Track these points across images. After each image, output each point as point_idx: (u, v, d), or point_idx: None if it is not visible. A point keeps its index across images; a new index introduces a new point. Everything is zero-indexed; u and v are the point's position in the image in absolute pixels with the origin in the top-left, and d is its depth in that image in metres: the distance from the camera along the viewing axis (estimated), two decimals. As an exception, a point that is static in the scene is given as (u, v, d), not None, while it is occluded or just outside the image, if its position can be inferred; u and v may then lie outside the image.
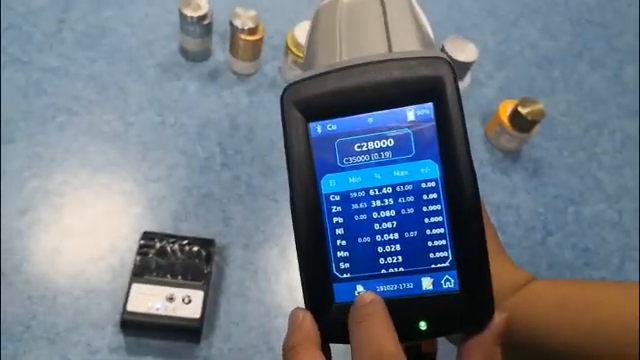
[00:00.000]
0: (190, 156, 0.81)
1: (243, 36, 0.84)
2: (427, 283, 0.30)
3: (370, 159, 0.30)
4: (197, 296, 0.63)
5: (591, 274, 0.82)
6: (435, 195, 0.29)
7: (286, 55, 0.88)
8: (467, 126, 0.29)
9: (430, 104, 0.29)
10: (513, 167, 0.91)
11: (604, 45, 1.15)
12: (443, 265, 0.30)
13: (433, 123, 0.29)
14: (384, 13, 0.33)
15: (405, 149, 0.30)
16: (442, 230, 0.29)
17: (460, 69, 0.86)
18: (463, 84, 0.88)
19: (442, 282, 0.30)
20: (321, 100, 0.30)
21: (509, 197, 0.88)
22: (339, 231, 0.30)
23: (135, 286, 0.63)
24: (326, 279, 0.30)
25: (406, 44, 0.32)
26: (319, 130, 0.30)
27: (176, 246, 0.67)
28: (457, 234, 0.29)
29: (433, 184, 0.29)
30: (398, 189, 0.30)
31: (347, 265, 0.30)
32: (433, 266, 0.30)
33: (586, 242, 0.86)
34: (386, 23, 0.32)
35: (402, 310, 0.29)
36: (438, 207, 0.29)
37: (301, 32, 0.85)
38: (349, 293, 0.30)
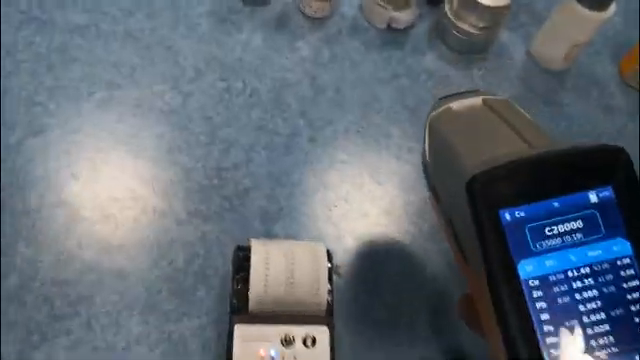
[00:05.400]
0: (270, 132, 0.63)
1: (323, -33, 0.64)
2: None
3: (563, 242, 0.31)
4: (322, 334, 0.47)
5: None
6: (632, 272, 0.30)
7: (374, -11, 0.68)
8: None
9: (609, 187, 0.31)
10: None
11: None
12: None
13: (615, 204, 0.31)
14: (499, 115, 0.37)
15: (594, 229, 0.31)
16: None
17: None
18: (608, 13, 0.68)
19: None
20: (509, 188, 0.31)
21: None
22: (544, 317, 0.30)
23: (238, 328, 0.46)
24: None
25: (538, 139, 0.34)
26: (508, 217, 0.31)
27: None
28: None
29: (628, 261, 0.30)
30: (595, 268, 0.30)
31: (558, 352, 0.29)
32: None
33: None
34: (507, 122, 0.36)
35: None
36: (637, 283, 0.30)
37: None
38: None
